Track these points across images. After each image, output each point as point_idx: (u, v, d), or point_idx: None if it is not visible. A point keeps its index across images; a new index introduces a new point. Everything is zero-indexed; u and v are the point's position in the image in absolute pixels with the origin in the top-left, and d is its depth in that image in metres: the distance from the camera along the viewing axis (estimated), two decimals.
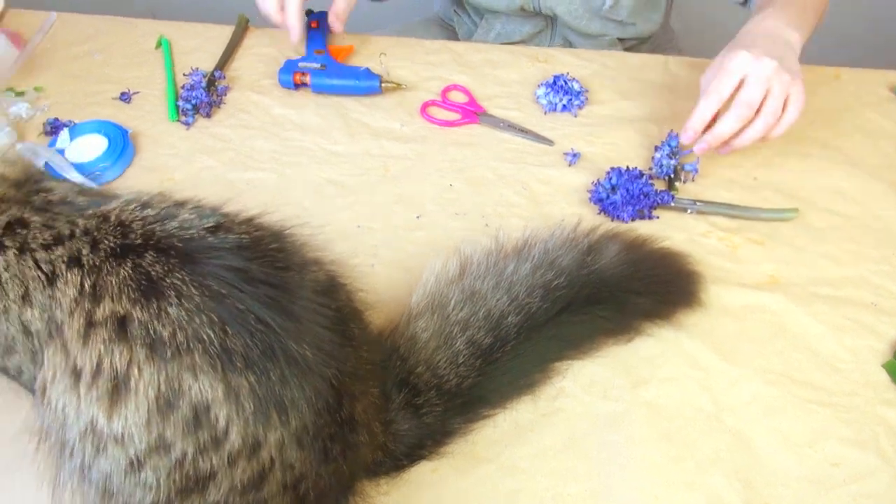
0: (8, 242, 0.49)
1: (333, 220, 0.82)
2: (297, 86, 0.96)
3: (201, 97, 0.93)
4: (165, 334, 0.44)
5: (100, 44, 1.04)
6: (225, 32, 1.05)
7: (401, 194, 0.85)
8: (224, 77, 0.98)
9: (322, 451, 0.50)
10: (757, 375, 0.69)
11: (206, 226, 0.49)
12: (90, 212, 0.50)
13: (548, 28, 1.12)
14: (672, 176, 0.84)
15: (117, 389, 0.44)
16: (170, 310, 0.45)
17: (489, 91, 0.97)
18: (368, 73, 0.95)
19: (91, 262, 0.47)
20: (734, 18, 1.11)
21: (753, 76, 0.75)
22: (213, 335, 0.45)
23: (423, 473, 0.63)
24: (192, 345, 0.44)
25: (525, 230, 0.77)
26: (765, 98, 0.76)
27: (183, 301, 0.45)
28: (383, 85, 0.95)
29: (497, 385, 0.64)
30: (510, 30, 1.12)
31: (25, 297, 0.48)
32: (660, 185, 0.84)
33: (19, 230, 0.49)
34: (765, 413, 0.67)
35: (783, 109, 0.77)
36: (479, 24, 1.14)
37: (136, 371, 0.44)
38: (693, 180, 0.85)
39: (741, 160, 0.88)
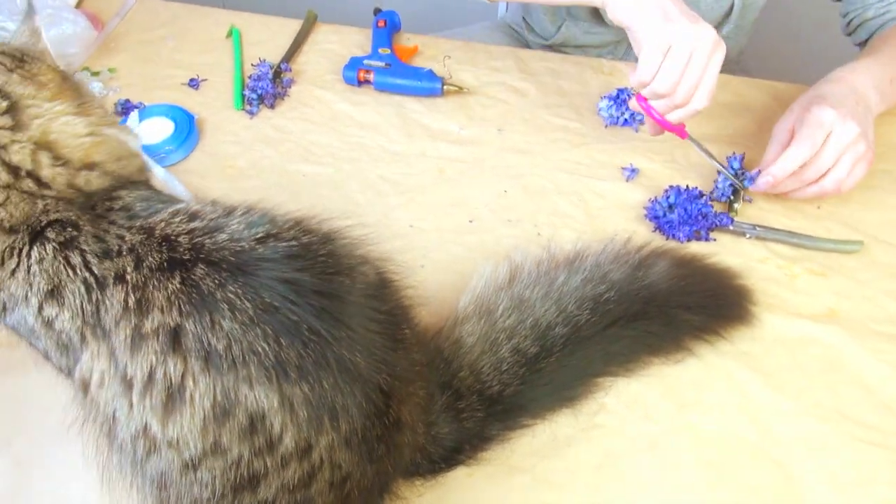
0: (50, 235, 0.49)
1: (386, 218, 0.83)
2: (361, 83, 0.97)
3: (267, 88, 0.95)
4: (220, 347, 0.45)
5: (174, 29, 1.07)
6: (293, 26, 1.07)
7: (454, 197, 0.85)
8: (290, 70, 1.00)
9: (368, 452, 0.50)
10: (807, 410, 0.67)
11: (255, 236, 0.49)
12: (137, 224, 0.50)
13: (626, 38, 1.11)
14: (732, 198, 0.82)
15: (171, 399, 0.45)
16: (223, 322, 0.45)
17: (550, 100, 0.97)
18: (431, 75, 0.95)
19: (135, 279, 0.47)
20: (804, 41, 1.09)
21: (835, 139, 0.75)
22: (267, 347, 0.45)
23: (458, 478, 0.63)
24: (247, 357, 0.45)
25: (577, 242, 0.77)
26: (837, 160, 0.76)
27: (237, 314, 0.45)
28: (445, 87, 0.95)
29: (539, 395, 0.64)
30: (590, 38, 1.11)
31: (53, 295, 0.48)
32: (719, 207, 0.82)
33: (69, 230, 0.49)
34: (813, 449, 0.65)
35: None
36: (556, 28, 1.13)
37: (191, 382, 0.45)
38: (750, 201, 0.83)
39: None
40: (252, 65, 1.00)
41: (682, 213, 0.79)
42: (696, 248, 0.79)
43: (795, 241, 0.79)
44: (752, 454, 0.64)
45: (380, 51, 0.99)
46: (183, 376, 0.45)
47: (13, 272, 0.49)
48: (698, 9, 1.02)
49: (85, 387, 0.49)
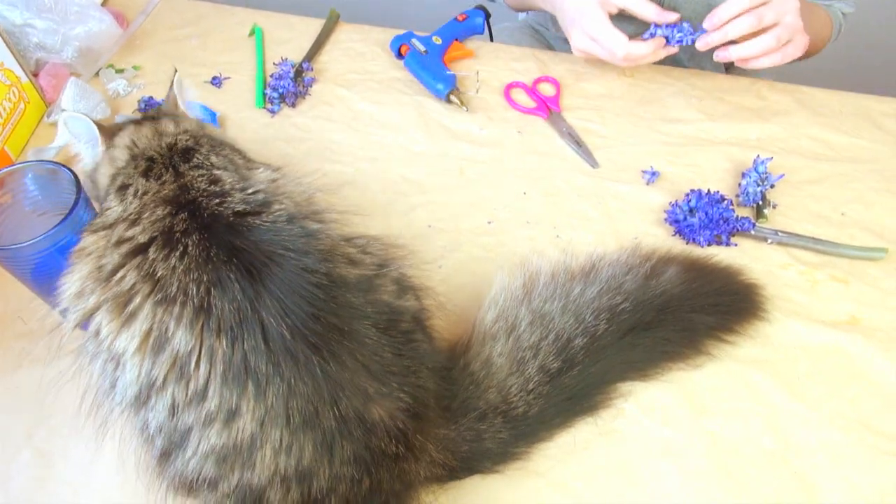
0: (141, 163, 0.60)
1: (406, 218, 0.83)
2: (401, 56, 1.00)
3: (288, 87, 0.95)
4: (161, 274, 0.49)
5: (198, 28, 1.08)
6: (316, 25, 1.07)
7: (474, 198, 0.85)
8: (311, 69, 1.00)
9: (325, 446, 0.49)
10: (828, 419, 0.66)
11: (235, 210, 0.53)
12: (182, 168, 0.59)
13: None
14: (760, 203, 0.82)
15: (124, 307, 0.50)
16: (172, 260, 0.50)
17: (571, 102, 0.97)
18: (450, 80, 0.95)
19: (149, 201, 0.55)
20: (829, 46, 1.07)
21: (775, 1, 0.83)
22: (195, 292, 0.48)
23: (472, 480, 0.62)
24: (178, 296, 0.48)
25: (595, 246, 0.76)
26: (774, 24, 0.84)
27: (185, 259, 0.50)
28: (450, 97, 0.95)
29: (560, 409, 0.63)
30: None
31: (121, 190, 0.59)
32: (742, 212, 0.81)
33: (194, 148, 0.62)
34: (833, 459, 0.64)
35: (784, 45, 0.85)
36: None
37: (138, 299, 0.49)
38: (775, 207, 0.83)
39: (829, 194, 0.84)
40: (274, 63, 1.00)
41: (702, 217, 0.79)
42: (718, 254, 0.78)
43: (818, 247, 0.78)
44: (771, 463, 0.64)
45: (434, 38, 1.00)
46: (133, 289, 0.50)
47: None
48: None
49: (78, 259, 0.55)
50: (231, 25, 1.08)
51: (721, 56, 0.88)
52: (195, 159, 0.60)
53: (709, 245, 0.79)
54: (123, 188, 0.58)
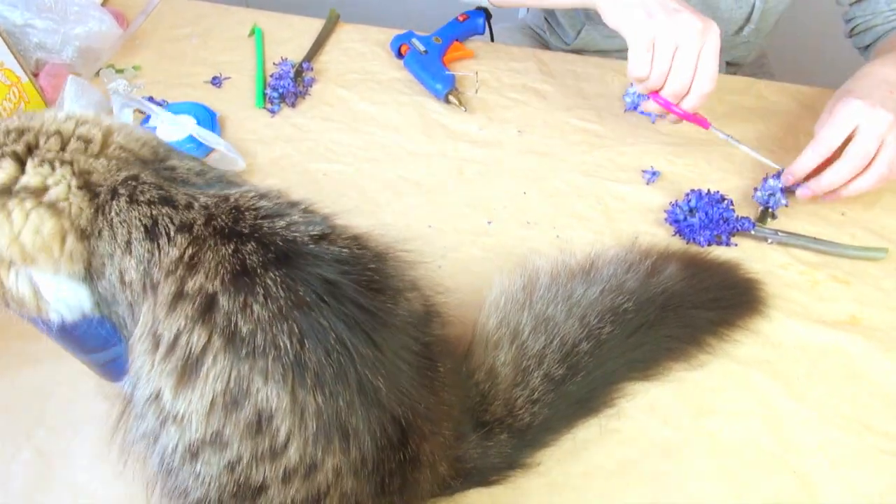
0: (122, 191, 0.50)
1: (405, 218, 0.83)
2: (401, 56, 1.00)
3: (288, 87, 0.95)
4: (245, 330, 0.43)
5: (198, 28, 1.08)
6: (316, 25, 1.07)
7: (473, 198, 0.85)
8: (311, 69, 1.00)
9: (380, 484, 0.48)
10: (828, 419, 0.66)
11: (311, 232, 0.47)
12: (211, 192, 0.50)
13: None
14: (766, 209, 0.81)
15: (188, 369, 0.44)
16: (255, 307, 0.44)
17: (570, 102, 0.96)
18: (449, 80, 0.95)
19: (201, 232, 0.47)
20: (830, 45, 1.08)
21: (867, 128, 0.73)
22: (289, 345, 0.43)
23: None
24: (267, 349, 0.43)
25: (595, 245, 0.76)
26: (878, 150, 0.74)
27: (269, 301, 0.44)
28: (449, 97, 0.95)
29: (564, 414, 0.63)
30: (610, 42, 1.10)
31: (128, 245, 0.48)
32: (742, 211, 0.81)
33: (132, 182, 0.50)
34: (834, 459, 0.64)
35: None
36: (576, 33, 1.12)
37: (210, 357, 0.43)
38: (787, 205, 0.82)
39: None
40: (274, 63, 1.00)
41: (703, 217, 0.79)
42: (718, 253, 0.78)
43: (819, 247, 0.78)
44: (772, 463, 0.64)
45: (434, 38, 1.00)
46: (204, 349, 0.43)
47: (100, 233, 0.50)
48: (718, 10, 1.01)
49: (132, 347, 0.48)
50: (231, 25, 1.08)
51: (829, 199, 0.80)
52: (209, 184, 0.53)
53: (709, 245, 0.79)
54: (128, 242, 0.49)
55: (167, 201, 0.49)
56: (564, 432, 0.64)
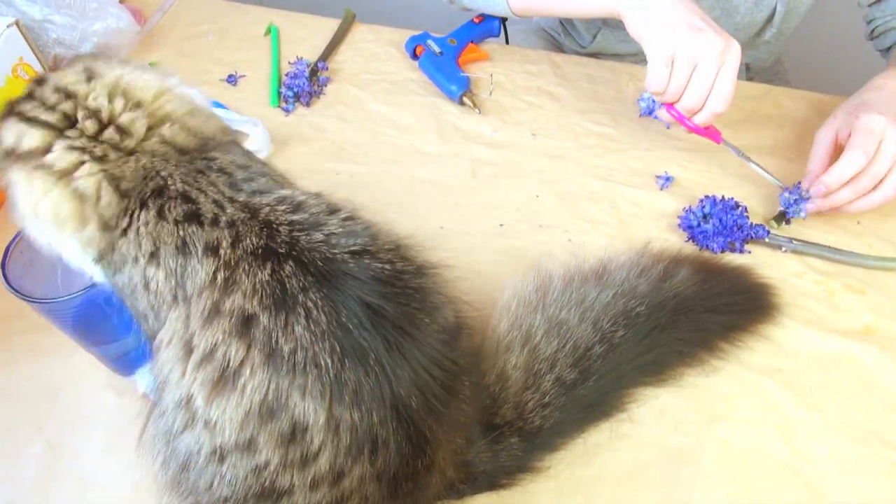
0: (150, 204, 0.49)
1: (417, 219, 0.83)
2: (416, 56, 1.00)
3: (303, 86, 0.96)
4: (287, 348, 0.44)
5: (214, 26, 1.08)
6: (331, 25, 1.08)
7: (486, 200, 0.85)
8: (326, 68, 1.00)
9: (395, 488, 0.49)
10: (841, 429, 0.66)
11: (350, 248, 0.47)
12: (241, 200, 0.49)
13: None
14: (783, 212, 0.81)
15: (224, 380, 0.44)
16: (296, 327, 0.44)
17: (585, 106, 0.96)
18: (464, 82, 0.95)
19: (229, 256, 0.46)
20: (846, 52, 1.07)
21: (888, 146, 0.73)
22: (330, 364, 0.44)
23: None
24: (308, 367, 0.43)
25: (607, 250, 0.76)
26: (890, 169, 0.74)
27: (310, 323, 0.44)
28: (463, 98, 0.95)
29: (575, 418, 0.63)
30: (626, 46, 1.10)
31: (154, 256, 0.48)
32: (757, 219, 0.80)
33: (159, 198, 0.49)
34: (845, 470, 0.63)
35: None
36: (592, 37, 1.12)
37: (248, 371, 0.44)
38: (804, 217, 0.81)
39: None
40: (289, 62, 1.01)
41: (716, 223, 0.78)
42: (731, 260, 0.78)
43: (834, 256, 0.78)
44: (783, 472, 0.63)
45: (449, 40, 1.00)
46: (242, 363, 0.44)
47: (125, 232, 0.49)
48: (737, 13, 1.01)
49: (159, 348, 0.48)
50: (247, 24, 1.09)
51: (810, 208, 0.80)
52: (248, 181, 0.51)
53: (722, 251, 0.78)
54: (154, 254, 0.48)
55: (194, 218, 0.48)
56: (575, 436, 0.64)
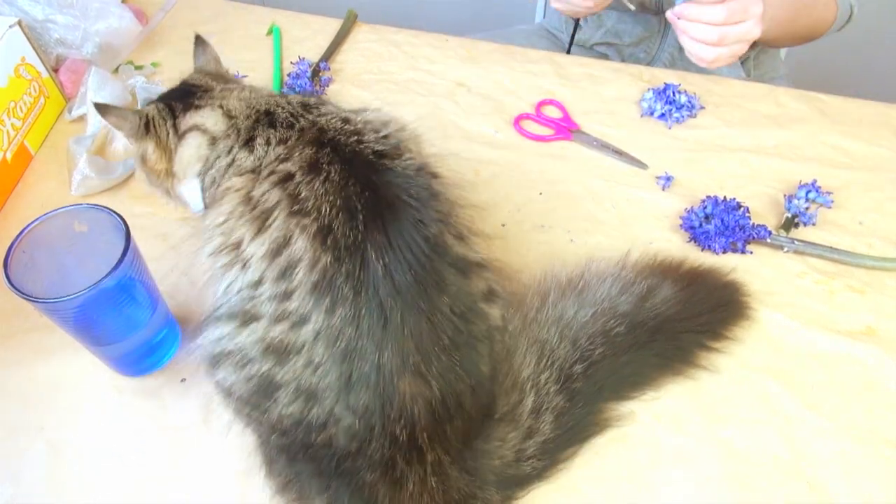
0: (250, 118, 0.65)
1: None
2: None
3: (305, 86, 0.96)
4: (304, 195, 0.54)
5: (216, 26, 1.08)
6: (334, 25, 1.08)
7: (488, 200, 0.85)
8: (328, 69, 1.00)
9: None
10: (843, 429, 0.66)
11: (375, 148, 0.57)
12: (310, 117, 0.62)
13: (659, 32, 1.10)
14: (792, 218, 0.81)
15: (262, 220, 0.54)
16: (315, 183, 0.54)
17: (587, 106, 0.96)
18: None
19: (292, 144, 0.59)
20: (844, 51, 1.07)
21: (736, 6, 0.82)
22: (327, 212, 0.52)
23: None
24: (311, 211, 0.53)
25: (607, 254, 0.76)
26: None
27: (326, 183, 0.54)
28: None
29: (565, 438, 0.62)
30: (621, 28, 1.10)
31: (248, 143, 0.62)
32: (758, 219, 0.80)
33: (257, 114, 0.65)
34: (848, 470, 0.63)
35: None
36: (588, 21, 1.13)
37: (276, 213, 0.54)
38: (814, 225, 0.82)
39: (847, 202, 0.84)
40: (291, 63, 1.01)
41: (718, 224, 0.78)
42: (732, 261, 0.78)
43: (835, 256, 0.78)
44: (785, 472, 0.63)
45: None
46: (276, 205, 0.54)
47: (227, 135, 0.64)
48: None
49: (224, 193, 0.59)
50: (249, 24, 1.09)
51: (671, 18, 0.87)
52: (313, 108, 0.64)
53: (724, 252, 0.78)
54: (250, 141, 0.62)
55: (273, 123, 0.62)
56: (566, 463, 0.63)
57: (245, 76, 1.00)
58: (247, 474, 0.60)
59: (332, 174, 0.54)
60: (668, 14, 0.86)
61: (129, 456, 0.64)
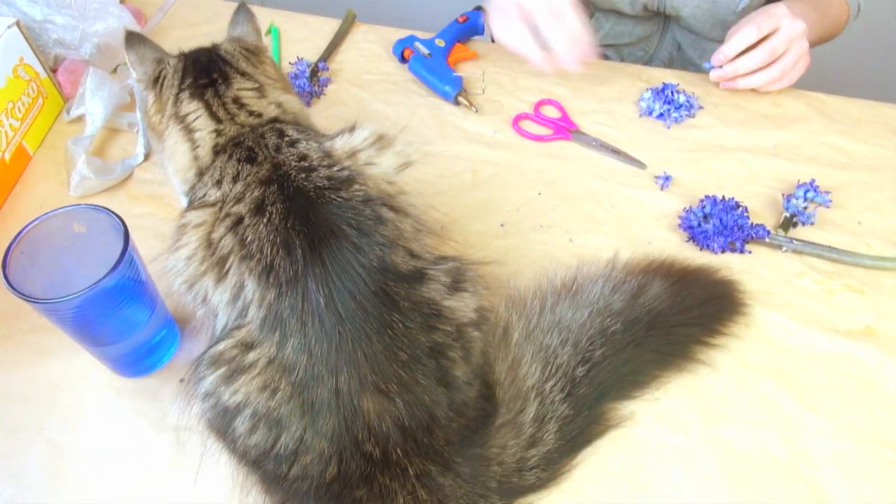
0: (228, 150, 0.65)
1: None
2: (404, 60, 1.00)
3: (304, 86, 0.96)
4: (249, 239, 0.56)
5: (215, 26, 1.08)
6: (332, 25, 1.08)
7: (487, 200, 0.85)
8: (327, 69, 1.00)
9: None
10: (842, 430, 0.66)
11: (317, 184, 0.58)
12: (270, 153, 0.62)
13: (659, 31, 1.10)
14: (791, 217, 0.81)
15: (222, 267, 0.57)
16: (259, 226, 0.56)
17: (586, 106, 0.96)
18: (457, 82, 0.95)
19: (249, 181, 0.60)
20: (847, 51, 1.07)
21: (785, 30, 0.87)
22: (269, 252, 0.55)
23: None
24: (254, 253, 0.55)
25: (606, 254, 0.76)
26: (784, 52, 0.89)
27: (268, 224, 0.56)
28: (459, 99, 0.95)
29: (569, 447, 0.62)
30: (620, 30, 1.10)
31: (219, 183, 0.63)
32: (757, 219, 0.80)
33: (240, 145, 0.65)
34: (847, 471, 0.63)
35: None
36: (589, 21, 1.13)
37: (231, 260, 0.57)
38: (813, 224, 0.82)
39: (846, 202, 0.84)
40: (290, 63, 1.01)
41: (717, 223, 0.78)
42: (732, 261, 0.78)
43: (834, 255, 0.78)
44: (783, 472, 0.63)
45: (436, 41, 1.00)
46: (230, 252, 0.57)
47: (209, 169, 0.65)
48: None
49: (186, 227, 0.61)
50: None
51: (728, 86, 0.96)
52: (285, 137, 0.64)
53: (723, 252, 0.78)
54: (220, 181, 0.63)
55: (250, 160, 0.62)
56: (569, 465, 0.63)
57: None
58: (246, 474, 0.60)
59: (273, 215, 0.56)
60: (713, 76, 0.94)
61: (129, 456, 0.64)
